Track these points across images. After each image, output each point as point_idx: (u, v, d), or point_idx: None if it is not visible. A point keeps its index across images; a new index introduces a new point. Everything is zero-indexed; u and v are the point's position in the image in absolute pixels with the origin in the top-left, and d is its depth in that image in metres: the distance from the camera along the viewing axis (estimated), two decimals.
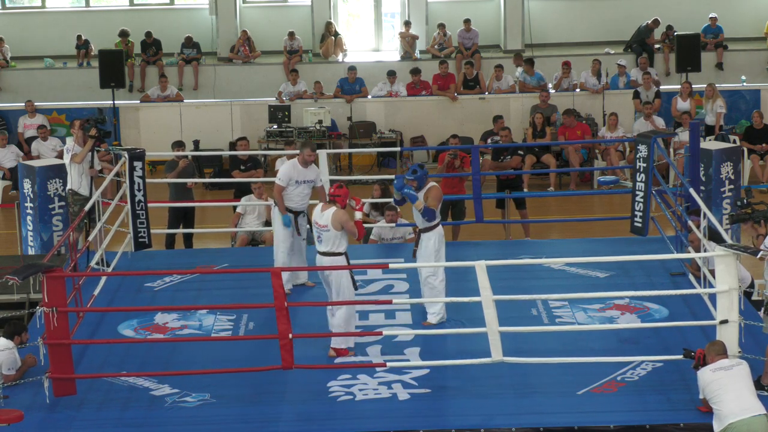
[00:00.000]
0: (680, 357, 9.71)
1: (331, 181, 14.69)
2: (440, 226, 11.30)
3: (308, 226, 12.07)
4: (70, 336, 9.72)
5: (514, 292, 11.25)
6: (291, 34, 23.59)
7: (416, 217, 11.25)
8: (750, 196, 10.35)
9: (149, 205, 13.48)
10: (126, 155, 13.18)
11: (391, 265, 11.72)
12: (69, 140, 13.96)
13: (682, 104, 20.19)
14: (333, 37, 23.85)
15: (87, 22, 24.99)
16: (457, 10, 24.77)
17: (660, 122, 19.60)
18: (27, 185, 13.88)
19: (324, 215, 10.51)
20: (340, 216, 10.44)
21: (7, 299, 12.14)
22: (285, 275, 10.98)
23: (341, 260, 10.53)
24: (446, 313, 11.15)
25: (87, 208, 12.63)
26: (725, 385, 8.83)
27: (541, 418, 9.25)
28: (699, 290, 11.25)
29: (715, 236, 11.04)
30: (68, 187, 13.17)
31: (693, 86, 20.48)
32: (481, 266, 9.59)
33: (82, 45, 23.63)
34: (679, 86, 20.69)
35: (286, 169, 12.08)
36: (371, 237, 14.26)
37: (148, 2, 25.63)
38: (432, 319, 11.14)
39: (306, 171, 12.06)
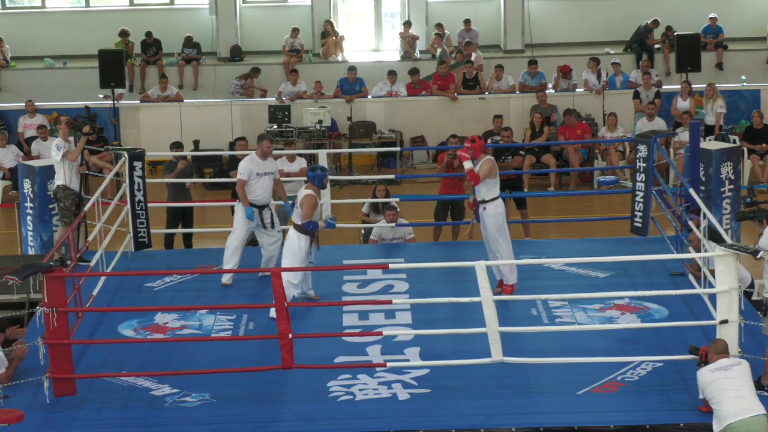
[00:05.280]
0: (680, 357, 9.71)
1: (332, 181, 14.79)
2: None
3: (273, 219, 12.54)
4: (70, 336, 9.72)
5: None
6: (295, 31, 23.56)
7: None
8: (753, 195, 10.35)
9: (149, 205, 13.48)
10: (126, 155, 13.18)
11: (391, 265, 11.72)
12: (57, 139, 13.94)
13: (683, 104, 20.18)
14: (333, 37, 23.84)
15: (87, 22, 25.00)
16: (457, 10, 24.77)
17: (661, 123, 19.60)
18: (27, 185, 13.91)
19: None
20: (480, 168, 11.54)
21: (7, 299, 12.16)
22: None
23: (499, 203, 11.68)
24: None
25: (87, 208, 12.64)
26: (724, 385, 8.81)
27: (541, 418, 9.25)
28: (699, 290, 11.24)
29: (715, 236, 11.03)
30: (59, 183, 13.04)
31: (693, 86, 20.47)
32: (481, 266, 9.58)
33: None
34: (679, 86, 20.69)
35: (245, 162, 12.47)
36: (371, 237, 14.25)
37: (148, 2, 25.62)
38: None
39: (265, 163, 12.51)
